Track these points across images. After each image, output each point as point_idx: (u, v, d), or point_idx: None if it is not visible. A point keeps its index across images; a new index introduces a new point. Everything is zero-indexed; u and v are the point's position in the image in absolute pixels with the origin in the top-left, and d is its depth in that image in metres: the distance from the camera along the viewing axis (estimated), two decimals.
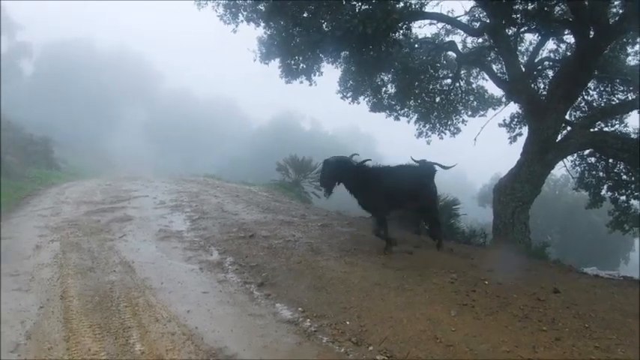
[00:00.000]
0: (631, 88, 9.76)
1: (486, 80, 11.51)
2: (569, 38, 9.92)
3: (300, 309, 4.70)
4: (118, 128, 38.11)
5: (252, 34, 9.45)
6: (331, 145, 34.83)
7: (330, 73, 10.28)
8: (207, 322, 4.39)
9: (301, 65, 9.61)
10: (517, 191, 8.53)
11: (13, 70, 32.17)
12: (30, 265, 6.14)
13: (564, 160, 9.76)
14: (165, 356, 3.78)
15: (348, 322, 4.39)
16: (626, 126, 10.19)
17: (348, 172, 6.28)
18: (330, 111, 49.14)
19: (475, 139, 10.93)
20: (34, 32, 36.93)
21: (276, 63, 9.61)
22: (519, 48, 10.56)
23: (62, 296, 4.91)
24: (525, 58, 10.43)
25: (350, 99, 11.14)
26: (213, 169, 27.15)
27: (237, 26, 9.32)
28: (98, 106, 36.76)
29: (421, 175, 6.67)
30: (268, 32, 9.27)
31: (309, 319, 4.47)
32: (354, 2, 8.15)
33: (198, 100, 44.97)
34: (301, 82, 9.85)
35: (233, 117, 45.52)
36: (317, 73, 9.85)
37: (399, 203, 6.50)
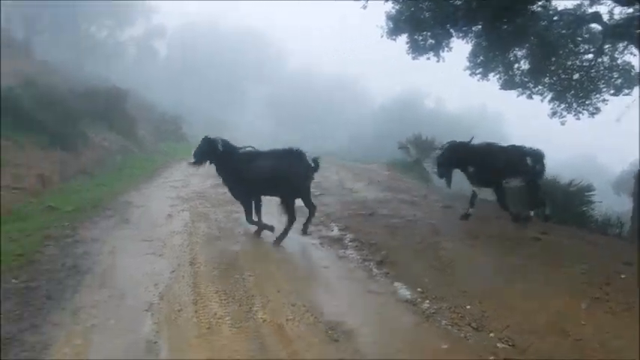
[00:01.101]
0: None
1: (634, 55, 12.97)
2: None
3: (419, 289, 5.81)
4: (242, 106, 50.62)
5: (379, 9, 12.21)
6: (455, 124, 40.88)
7: (459, 49, 12.92)
8: (326, 296, 5.61)
9: (429, 41, 12.09)
10: None
11: (148, 52, 43.66)
12: (162, 233, 8.14)
13: None
14: (285, 325, 4.86)
15: (468, 307, 5.32)
16: None
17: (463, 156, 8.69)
18: (455, 89, 52.36)
19: (619, 120, 12.83)
20: (169, 14, 46.87)
21: (402, 39, 12.33)
22: None
23: (191, 262, 6.67)
24: None
25: (479, 76, 13.68)
26: (334, 146, 35.01)
27: (366, 1, 11.76)
28: (224, 84, 48.41)
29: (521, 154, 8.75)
30: (397, 7, 11.75)
31: (428, 300, 5.52)
32: None
33: (320, 78, 55.64)
34: (428, 59, 12.50)
35: (355, 95, 55.62)
36: (445, 49, 12.31)
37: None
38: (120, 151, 17.72)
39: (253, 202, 8.04)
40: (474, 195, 9.01)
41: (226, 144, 8.06)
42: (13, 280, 5.84)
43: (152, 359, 4.32)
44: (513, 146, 8.96)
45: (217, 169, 8.13)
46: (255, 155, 8.00)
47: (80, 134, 14.97)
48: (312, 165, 7.68)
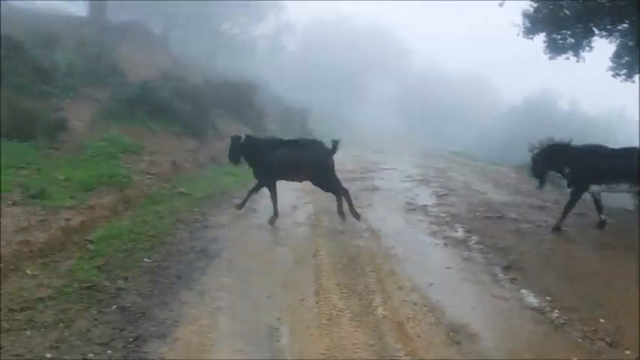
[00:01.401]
0: None
1: None
2: None
3: (547, 298, 5.78)
4: (367, 102, 53.31)
5: (515, 8, 12.57)
6: (591, 127, 41.04)
7: (599, 48, 12.83)
8: (449, 298, 5.70)
9: (569, 40, 12.09)
10: None
11: (278, 47, 48.03)
12: (287, 223, 8.62)
13: None
14: (405, 324, 5.01)
15: (602, 320, 5.23)
16: None
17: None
18: (592, 91, 51.70)
19: None
20: (298, 12, 50.41)
21: (539, 38, 12.52)
22: None
23: (314, 254, 7.02)
24: None
25: (623, 77, 13.26)
26: (461, 146, 35.16)
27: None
28: (350, 81, 51.19)
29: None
30: (535, 5, 11.91)
31: (557, 310, 5.46)
32: None
33: (448, 77, 57.94)
34: (567, 59, 12.55)
35: (484, 95, 57.28)
36: (586, 48, 12.30)
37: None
38: None
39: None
40: (596, 201, 8.71)
41: (249, 137, 9.22)
42: (146, 259, 6.44)
43: (274, 343, 4.55)
44: (623, 149, 8.60)
45: (246, 159, 9.02)
46: (278, 143, 8.93)
47: (211, 125, 16.16)
48: (331, 149, 8.42)
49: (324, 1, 61.09)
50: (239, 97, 20.97)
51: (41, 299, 5.10)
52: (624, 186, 8.45)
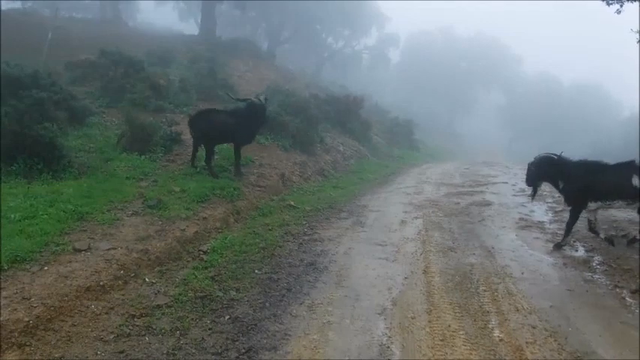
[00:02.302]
0: None
1: None
2: None
3: None
4: (473, 113, 53.11)
5: (632, 11, 12.20)
6: None
7: None
8: (571, 322, 5.48)
9: None
10: None
11: (381, 59, 48.57)
12: (396, 238, 8.51)
13: None
14: (525, 348, 4.83)
15: None
16: None
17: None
18: None
19: None
20: (401, 24, 51.32)
21: None
22: None
23: (425, 271, 6.89)
24: None
25: None
26: (574, 157, 30.80)
27: (621, 6, 11.80)
28: (455, 91, 51.47)
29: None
30: None
31: None
32: None
33: (562, 85, 56.01)
34: None
35: (601, 103, 54.25)
36: None
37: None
38: (354, 155, 18.92)
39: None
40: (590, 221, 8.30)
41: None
42: (257, 271, 6.63)
43: None
44: (618, 164, 8.02)
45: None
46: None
47: (318, 138, 16.43)
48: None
49: (427, 12, 61.79)
50: (345, 110, 21.22)
51: (159, 306, 5.43)
52: (620, 203, 8.07)
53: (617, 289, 6.48)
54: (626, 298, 6.20)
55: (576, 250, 8.10)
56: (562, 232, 8.89)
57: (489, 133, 47.43)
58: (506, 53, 55.53)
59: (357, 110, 22.24)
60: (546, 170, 8.40)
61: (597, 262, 7.56)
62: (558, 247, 8.04)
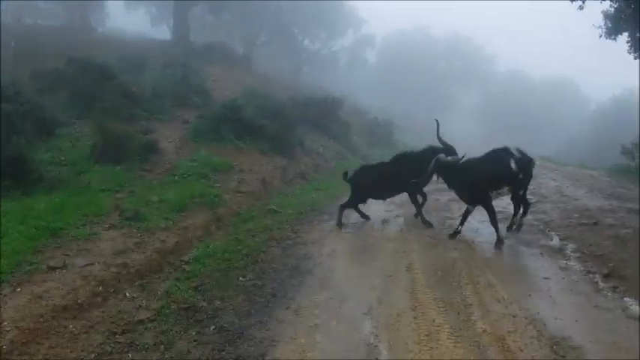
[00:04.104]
0: None
1: None
2: None
3: None
4: (451, 109, 53.36)
5: (596, 9, 13.01)
6: None
7: None
8: (549, 309, 5.71)
9: None
10: None
11: (358, 60, 48.99)
12: (379, 237, 8.59)
13: None
14: (506, 338, 5.00)
15: None
16: None
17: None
18: None
19: None
20: (377, 24, 51.87)
21: (623, 38, 12.94)
22: None
23: (408, 268, 6.97)
24: None
25: None
26: (550, 150, 35.63)
27: (583, 2, 12.24)
28: (432, 90, 52.92)
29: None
30: (615, 5, 12.28)
31: None
32: None
33: (533, 81, 59.02)
34: None
35: (570, 98, 57.49)
36: None
37: None
38: (335, 156, 18.94)
39: None
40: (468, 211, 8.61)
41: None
42: (241, 279, 6.57)
43: None
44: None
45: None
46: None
47: (298, 141, 16.42)
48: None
49: (402, 12, 62.90)
50: (325, 112, 21.22)
51: (141, 321, 5.33)
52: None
53: (590, 275, 6.80)
54: (599, 283, 6.53)
55: (551, 240, 8.34)
56: (537, 222, 9.39)
57: (467, 130, 48.24)
58: (480, 52, 57.32)
59: (337, 112, 22.25)
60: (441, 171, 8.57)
61: (571, 250, 7.86)
62: (500, 244, 8.07)
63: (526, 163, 8.38)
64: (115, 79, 15.08)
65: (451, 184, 8.55)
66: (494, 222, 8.10)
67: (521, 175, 8.27)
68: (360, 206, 9.70)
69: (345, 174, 9.79)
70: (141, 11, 38.38)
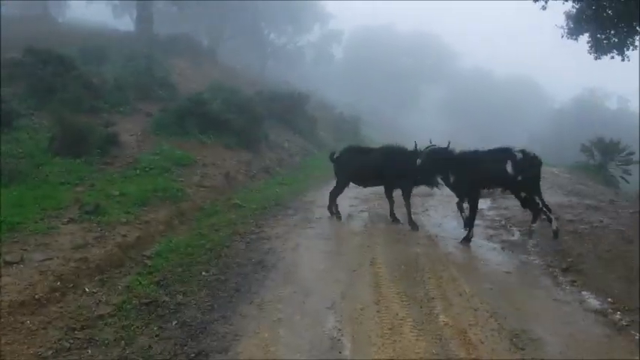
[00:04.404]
0: None
1: None
2: None
3: (609, 300, 5.93)
4: (417, 106, 54.84)
5: (558, 9, 13.10)
6: None
7: None
8: (510, 302, 5.86)
9: (613, 39, 12.41)
10: None
11: (325, 55, 49.28)
12: (343, 232, 8.71)
13: None
14: (468, 331, 5.09)
15: None
16: None
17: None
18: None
19: None
20: (343, 20, 51.93)
21: (584, 38, 13.00)
22: None
23: (372, 262, 7.05)
24: None
25: None
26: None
27: (546, 2, 12.46)
28: (399, 86, 52.79)
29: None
30: (577, 6, 12.40)
31: (619, 312, 5.58)
32: None
33: (496, 79, 60.57)
34: (612, 58, 12.77)
35: (532, 96, 58.29)
36: (631, 47, 12.53)
37: None
38: (300, 151, 19.02)
39: None
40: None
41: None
42: (204, 273, 6.51)
43: (336, 355, 4.58)
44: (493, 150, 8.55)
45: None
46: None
47: (263, 135, 16.36)
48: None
49: (368, 9, 63.17)
50: (291, 107, 21.21)
51: (101, 317, 5.24)
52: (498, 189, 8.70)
53: (550, 269, 7.04)
54: (558, 277, 6.75)
55: (512, 235, 8.62)
56: (499, 218, 9.59)
57: (433, 126, 48.95)
58: (446, 50, 57.98)
59: (303, 107, 22.29)
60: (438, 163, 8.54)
61: (531, 244, 8.14)
62: (467, 240, 8.12)
63: (527, 165, 8.19)
64: (76, 71, 14.70)
65: (445, 176, 8.54)
66: (471, 220, 8.18)
67: (520, 178, 8.13)
68: (321, 200, 9.76)
69: (332, 155, 10.02)
70: (103, 2, 37.47)
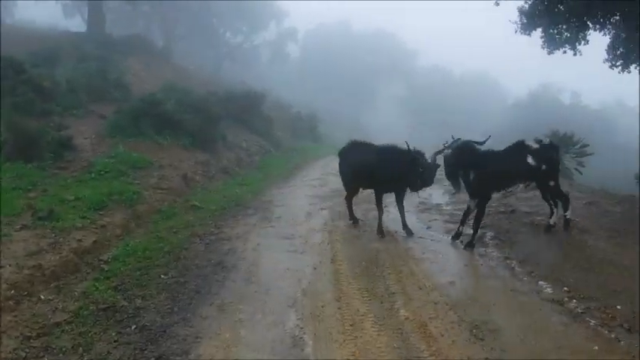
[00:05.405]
0: None
1: None
2: None
3: (565, 289, 6.09)
4: (376, 103, 55.32)
5: (512, 5, 13.28)
6: (593, 120, 44.37)
7: (595, 41, 13.40)
8: (469, 295, 6.06)
9: (565, 34, 12.71)
10: None
11: (281, 54, 48.46)
12: (303, 230, 8.67)
13: None
14: (428, 324, 5.19)
15: (619, 307, 5.49)
16: None
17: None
18: (592, 83, 53.73)
19: None
20: (299, 19, 51.88)
21: (537, 33, 13.13)
22: None
23: (333, 259, 7.12)
24: None
25: (619, 68, 13.67)
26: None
27: None
28: (356, 83, 53.36)
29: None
30: (530, 2, 12.57)
31: (575, 300, 5.78)
32: None
33: (455, 77, 61.59)
34: (565, 52, 13.14)
35: (489, 91, 60.43)
36: (582, 42, 12.88)
37: None
38: (258, 151, 18.99)
39: None
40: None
41: None
42: (163, 276, 6.43)
43: (298, 353, 4.63)
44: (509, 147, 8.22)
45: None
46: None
47: (220, 136, 16.22)
48: None
49: (324, 7, 63.12)
50: (247, 106, 21.10)
51: (57, 324, 5.11)
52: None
53: (508, 261, 7.17)
54: (515, 268, 6.88)
55: (471, 228, 8.54)
56: (458, 212, 9.50)
57: (393, 124, 49.59)
58: (402, 48, 59.06)
59: (259, 106, 22.19)
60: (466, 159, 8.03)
61: (489, 237, 8.27)
62: (471, 245, 7.83)
63: (547, 153, 7.96)
64: (25, 74, 14.16)
65: (466, 171, 8.04)
66: (478, 222, 7.98)
67: (544, 167, 7.87)
68: (281, 199, 9.74)
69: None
70: (53, 1, 36.20)
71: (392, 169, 8.27)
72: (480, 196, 8.07)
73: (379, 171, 8.43)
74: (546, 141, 8.28)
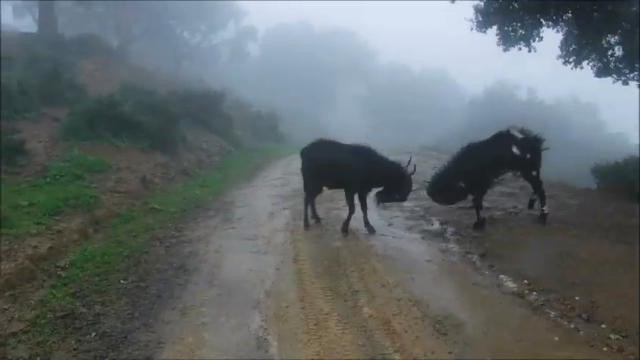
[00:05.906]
0: None
1: None
2: None
3: (525, 281, 6.26)
4: (336, 103, 55.92)
5: (469, 4, 13.54)
6: (548, 116, 44.82)
7: (549, 39, 13.78)
8: (431, 290, 6.09)
9: (519, 31, 13.08)
10: None
11: (240, 53, 48.25)
12: (265, 231, 8.64)
13: None
14: (392, 320, 5.22)
15: (577, 298, 5.71)
16: None
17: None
18: (547, 79, 54.32)
19: None
20: (258, 18, 51.63)
21: (492, 31, 13.41)
22: None
23: (295, 259, 7.12)
24: None
25: (572, 64, 14.11)
26: (431, 140, 37.37)
27: None
28: (316, 83, 53.90)
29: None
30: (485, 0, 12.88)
31: (535, 293, 5.94)
32: None
33: (414, 75, 61.87)
34: (520, 49, 13.47)
35: (447, 89, 60.92)
36: (536, 39, 13.22)
37: None
38: (218, 151, 18.80)
39: None
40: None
41: None
42: (122, 281, 6.33)
43: (263, 354, 4.62)
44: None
45: None
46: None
47: (180, 137, 15.98)
48: None
49: (283, 6, 62.92)
50: (207, 106, 20.85)
51: (14, 334, 4.97)
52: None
53: (469, 255, 7.33)
54: (476, 262, 7.04)
55: (432, 224, 8.93)
56: (418, 209, 9.84)
57: (353, 123, 49.85)
58: (361, 47, 59.41)
59: (218, 106, 21.98)
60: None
61: (450, 233, 8.45)
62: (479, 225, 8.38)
63: (531, 143, 8.52)
64: None
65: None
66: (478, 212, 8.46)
67: (528, 156, 8.40)
68: (242, 200, 9.67)
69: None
70: (1, 1, 34.85)
71: (367, 169, 8.21)
72: (477, 187, 8.51)
73: (355, 171, 8.27)
74: (530, 132, 8.80)
